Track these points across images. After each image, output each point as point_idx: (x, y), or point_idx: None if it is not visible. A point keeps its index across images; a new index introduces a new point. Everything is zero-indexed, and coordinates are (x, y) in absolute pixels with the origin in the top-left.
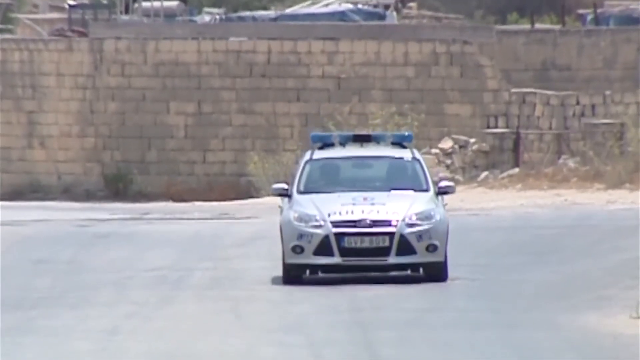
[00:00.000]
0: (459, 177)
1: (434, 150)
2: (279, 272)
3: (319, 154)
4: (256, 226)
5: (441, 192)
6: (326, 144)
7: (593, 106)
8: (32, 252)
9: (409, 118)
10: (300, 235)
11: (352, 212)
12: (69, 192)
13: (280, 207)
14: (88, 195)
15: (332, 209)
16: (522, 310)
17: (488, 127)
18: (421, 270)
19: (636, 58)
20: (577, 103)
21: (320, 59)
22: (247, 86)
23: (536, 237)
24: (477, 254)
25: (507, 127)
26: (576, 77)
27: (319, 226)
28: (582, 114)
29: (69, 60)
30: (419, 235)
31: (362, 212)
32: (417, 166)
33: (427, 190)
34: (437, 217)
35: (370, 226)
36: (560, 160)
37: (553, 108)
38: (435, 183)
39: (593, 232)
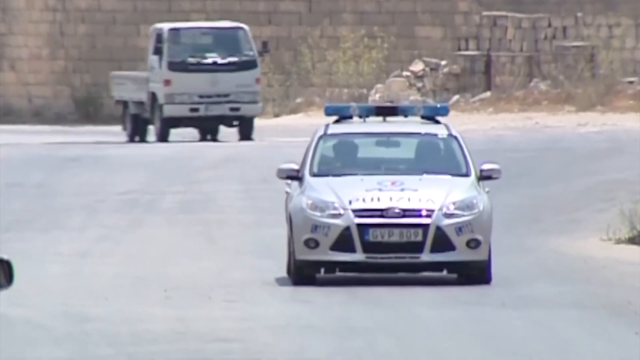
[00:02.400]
0: (429, 100)
1: (404, 73)
2: (252, 196)
3: (335, 129)
4: (227, 149)
5: (484, 176)
6: (343, 117)
7: (564, 29)
8: (3, 176)
9: (379, 41)
10: (315, 227)
11: (378, 200)
12: (39, 116)
13: (287, 192)
14: (58, 119)
15: (354, 195)
16: (494, 234)
17: (459, 50)
18: (459, 271)
19: None
20: (549, 25)
21: None
22: (218, 9)
23: (507, 160)
24: None
25: (478, 49)
26: None
27: (338, 215)
28: (554, 37)
29: None
30: (459, 228)
31: (390, 199)
32: (455, 145)
33: (467, 174)
34: (480, 207)
35: (400, 216)
36: (532, 83)
37: (524, 31)
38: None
39: (564, 155)
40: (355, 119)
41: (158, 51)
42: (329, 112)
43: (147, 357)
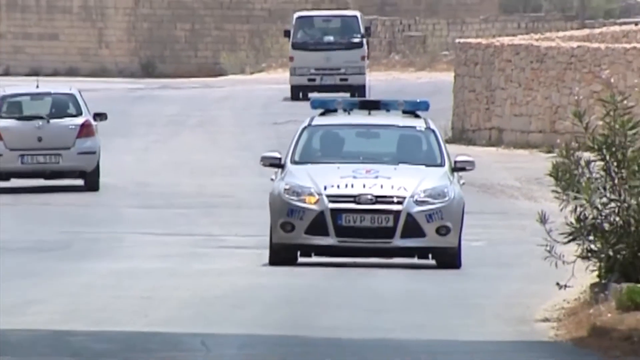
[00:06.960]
0: None
1: None
2: (238, 117)
3: (319, 121)
4: (225, 92)
5: (458, 168)
6: (328, 110)
7: (409, 25)
8: (98, 107)
9: None
10: (291, 211)
11: (352, 186)
12: (121, 73)
13: (272, 179)
14: (132, 75)
15: (329, 181)
16: None
17: None
18: (430, 257)
19: None
20: (400, 23)
21: None
22: (219, 12)
23: (378, 97)
24: None
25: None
26: (399, 5)
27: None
28: (403, 30)
29: None
30: (429, 215)
31: (364, 186)
32: (432, 137)
33: (441, 165)
34: (451, 195)
35: (372, 202)
36: (391, 56)
37: (387, 27)
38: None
39: (410, 94)
40: (340, 112)
41: (288, 34)
42: (315, 105)
43: (181, 204)
